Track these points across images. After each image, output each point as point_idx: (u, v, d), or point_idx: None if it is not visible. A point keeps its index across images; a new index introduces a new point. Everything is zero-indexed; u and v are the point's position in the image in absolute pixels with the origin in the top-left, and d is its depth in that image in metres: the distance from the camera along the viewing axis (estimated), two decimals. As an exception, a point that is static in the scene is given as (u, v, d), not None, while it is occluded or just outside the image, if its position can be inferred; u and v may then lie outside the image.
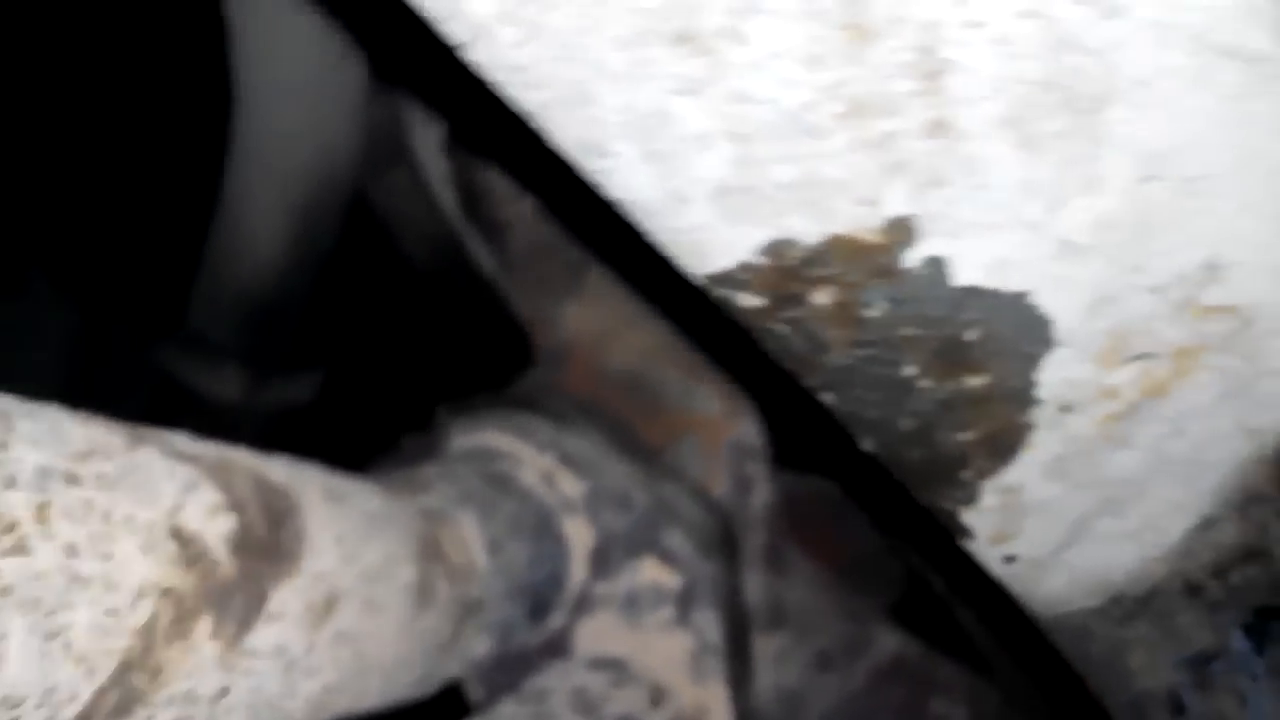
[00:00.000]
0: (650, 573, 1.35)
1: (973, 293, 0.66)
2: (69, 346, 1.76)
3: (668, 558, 1.35)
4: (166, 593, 0.66)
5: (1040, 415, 0.73)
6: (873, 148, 0.59)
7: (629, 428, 1.49)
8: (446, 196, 1.62)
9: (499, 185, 1.59)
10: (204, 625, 0.69)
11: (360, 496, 0.97)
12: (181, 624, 0.67)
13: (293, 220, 1.58)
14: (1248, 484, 0.84)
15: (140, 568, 0.64)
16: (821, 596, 1.72)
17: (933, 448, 0.75)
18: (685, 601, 1.35)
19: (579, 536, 1.36)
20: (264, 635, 0.76)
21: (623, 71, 0.57)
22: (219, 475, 0.75)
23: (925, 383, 0.70)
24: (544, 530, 1.32)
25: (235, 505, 0.75)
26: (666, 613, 1.35)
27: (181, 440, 0.76)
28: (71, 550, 0.60)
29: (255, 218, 1.58)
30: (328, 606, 0.84)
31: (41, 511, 0.59)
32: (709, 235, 0.63)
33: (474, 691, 1.39)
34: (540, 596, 1.29)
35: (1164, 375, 0.73)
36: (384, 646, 0.94)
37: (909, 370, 0.69)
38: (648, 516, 1.36)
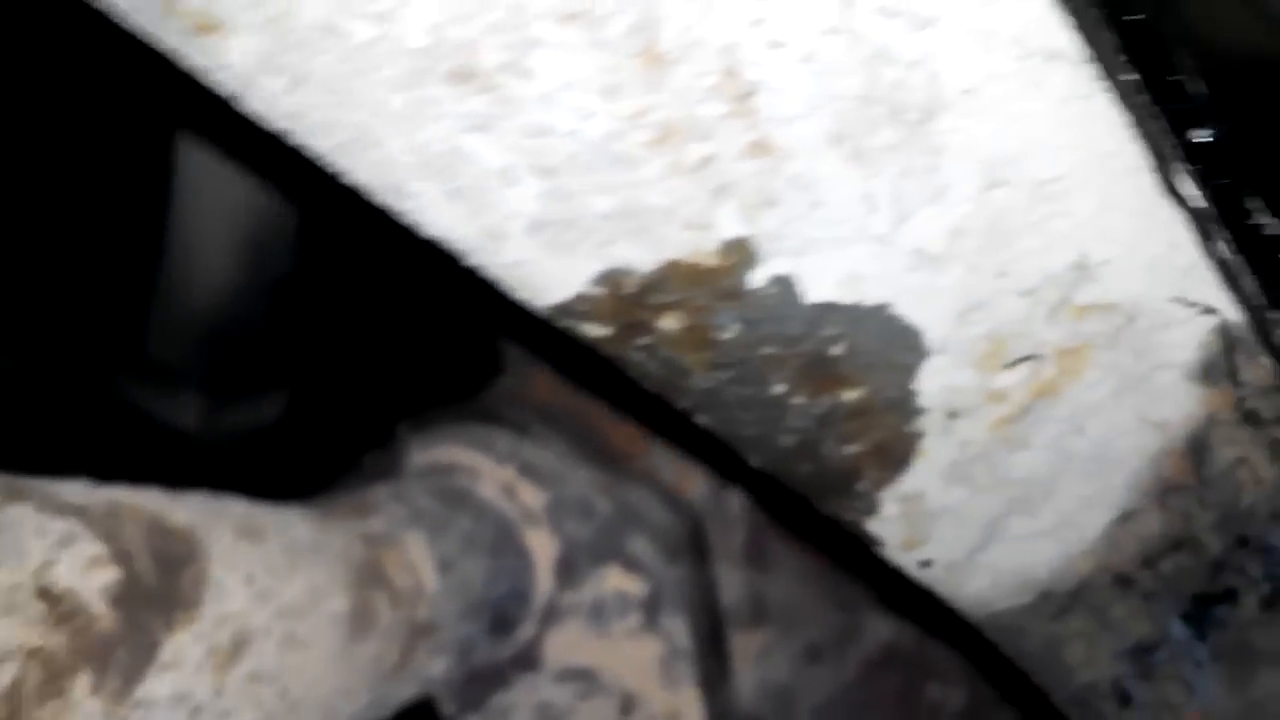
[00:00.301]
0: (614, 581, 1.34)
1: (829, 309, 0.64)
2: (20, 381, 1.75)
3: (632, 565, 1.34)
4: (33, 653, 0.65)
5: (928, 423, 0.72)
6: (692, 173, 0.57)
7: (597, 433, 1.47)
8: None
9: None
10: (82, 682, 0.68)
11: (285, 530, 0.96)
12: (54, 683, 0.66)
13: (242, 247, 1.56)
14: (1162, 475, 0.83)
15: (1, 632, 0.63)
16: (808, 589, 1.70)
17: (820, 462, 0.74)
18: (652, 607, 1.34)
19: (542, 548, 1.35)
20: (158, 685, 0.75)
21: (404, 112, 0.56)
22: (103, 526, 0.75)
23: (798, 399, 0.68)
24: (504, 544, 1.31)
25: (120, 556, 0.74)
26: (633, 620, 1.34)
27: (71, 489, 0.76)
28: None
29: (203, 244, 1.57)
30: (236, 648, 0.83)
31: None
32: (536, 269, 0.62)
33: (446, 708, 1.39)
34: (502, 611, 1.28)
35: (1052, 376, 0.72)
36: (314, 680, 0.93)
37: (778, 388, 0.68)
38: (611, 524, 1.34)
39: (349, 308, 1.89)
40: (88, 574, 0.71)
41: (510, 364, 1.58)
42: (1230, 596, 0.91)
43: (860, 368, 0.68)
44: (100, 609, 0.71)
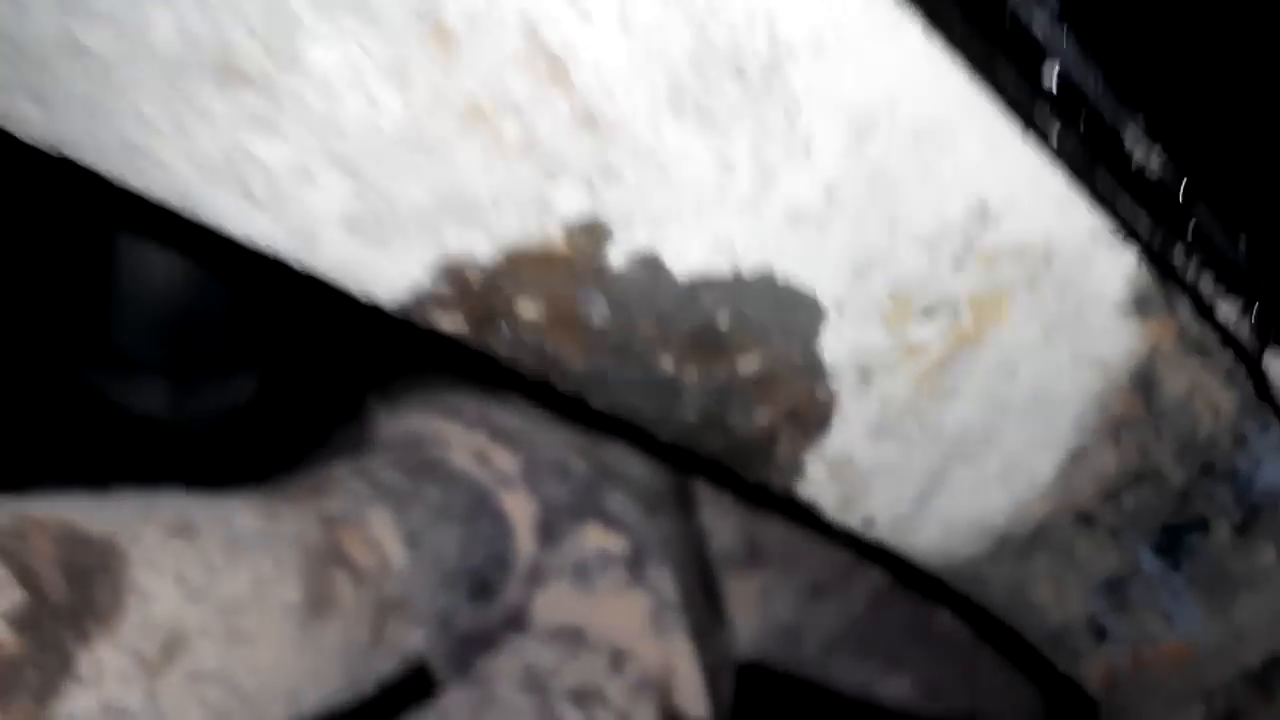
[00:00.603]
0: (595, 538, 1.32)
1: (702, 281, 0.60)
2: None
3: (611, 521, 1.32)
4: None
5: (840, 384, 0.68)
6: (516, 153, 0.53)
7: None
8: None
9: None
10: None
11: (222, 523, 0.93)
12: None
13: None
14: (1111, 412, 0.79)
15: None
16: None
17: (730, 433, 0.70)
18: (635, 562, 1.32)
19: (520, 511, 1.33)
20: (78, 699, 0.73)
21: (172, 122, 0.52)
22: (9, 544, 0.72)
23: (690, 375, 0.65)
24: (478, 511, 1.28)
25: (23, 576, 0.72)
26: (617, 576, 1.32)
27: None
28: None
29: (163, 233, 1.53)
30: (168, 651, 0.81)
31: None
32: (365, 268, 0.58)
33: (440, 674, 1.37)
34: (481, 578, 1.26)
35: (970, 325, 0.68)
36: (269, 671, 0.91)
37: (666, 366, 0.64)
38: (587, 482, 1.32)
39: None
40: None
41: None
42: (1201, 525, 0.89)
43: (752, 336, 0.64)
44: (2, 635, 0.69)
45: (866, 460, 0.75)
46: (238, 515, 0.95)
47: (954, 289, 0.66)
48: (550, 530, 1.32)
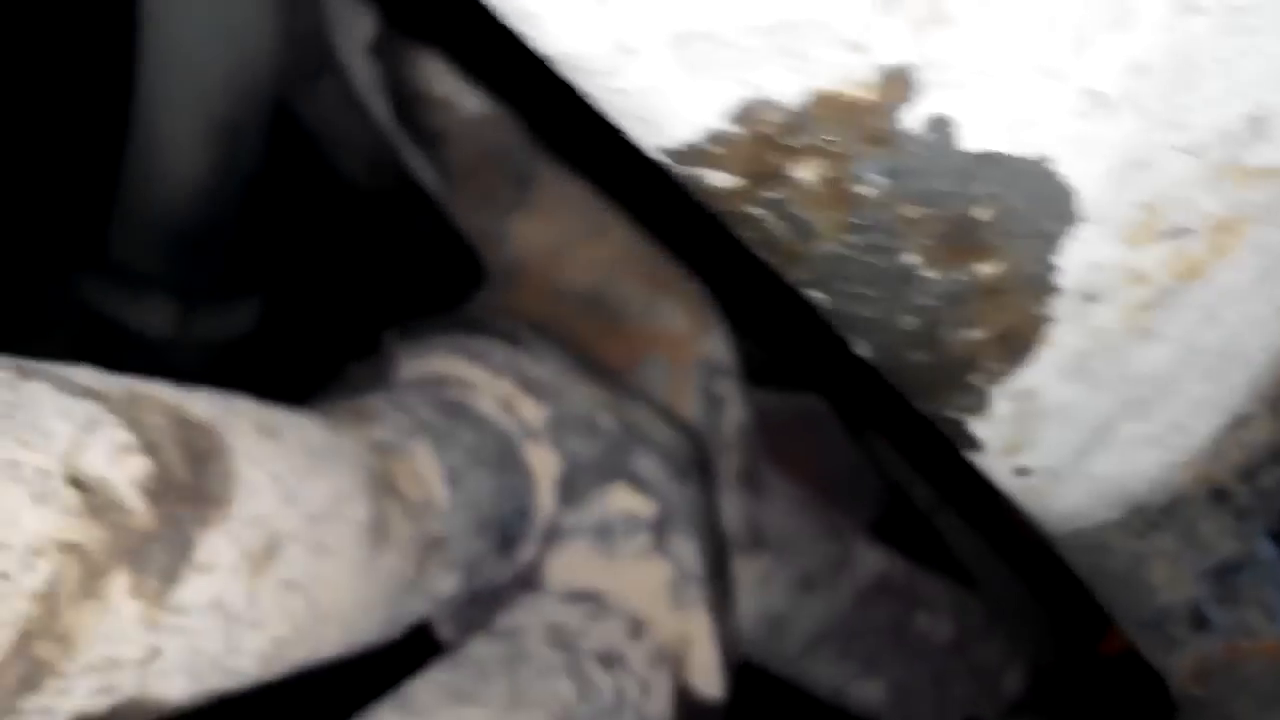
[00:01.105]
0: (622, 500, 1.28)
1: (986, 159, 0.56)
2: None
3: (640, 484, 1.28)
4: (69, 548, 0.57)
5: (1060, 306, 0.64)
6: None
7: (588, 348, 1.40)
8: (377, 105, 1.51)
9: (436, 87, 1.49)
10: (120, 582, 0.61)
11: (300, 431, 0.88)
12: (92, 583, 0.58)
13: (213, 137, 1.47)
14: (1281, 377, 0.76)
15: (33, 521, 0.55)
16: (801, 517, 1.66)
17: (937, 349, 0.66)
18: (661, 529, 1.28)
19: (543, 465, 1.29)
20: (195, 588, 0.67)
21: None
22: (128, 412, 0.66)
23: (929, 272, 0.60)
24: (506, 460, 1.24)
25: (148, 446, 0.66)
26: (642, 541, 1.28)
27: (82, 373, 0.67)
28: None
29: (172, 137, 1.47)
30: (268, 552, 0.75)
31: None
32: (666, 98, 0.52)
33: (444, 630, 1.32)
34: (508, 529, 1.21)
35: (1200, 254, 0.64)
36: (339, 591, 0.86)
37: (910, 258, 0.59)
38: (616, 441, 1.28)
39: (322, 209, 1.82)
40: (118, 463, 0.63)
41: (493, 276, 1.51)
42: (1329, 519, 0.86)
43: (1003, 235, 0.60)
44: (135, 502, 0.63)
45: (1050, 401, 0.71)
46: (307, 426, 0.90)
47: (1203, 208, 0.62)
48: (572, 488, 1.28)
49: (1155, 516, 0.82)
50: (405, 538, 0.99)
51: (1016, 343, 0.66)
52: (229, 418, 0.78)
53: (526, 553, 1.30)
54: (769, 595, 1.58)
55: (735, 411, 1.52)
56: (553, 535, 1.30)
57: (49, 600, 0.56)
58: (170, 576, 0.65)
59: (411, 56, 1.48)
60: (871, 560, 1.77)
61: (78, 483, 0.59)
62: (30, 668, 0.56)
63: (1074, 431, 0.74)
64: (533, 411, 1.29)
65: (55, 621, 0.57)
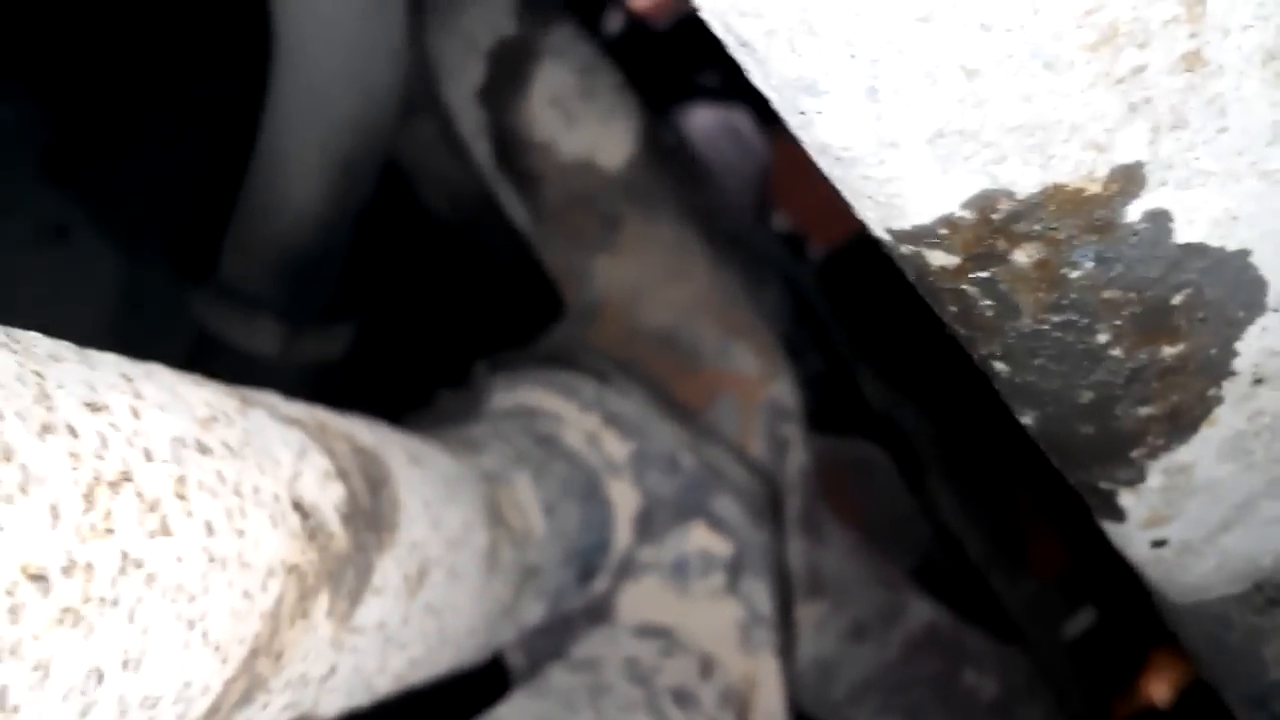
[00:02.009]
0: (700, 539, 1.30)
1: (1193, 251, 0.58)
2: (113, 297, 1.68)
3: (717, 524, 1.30)
4: (292, 570, 0.59)
5: (1231, 388, 0.66)
6: (1117, 84, 0.51)
7: (664, 387, 1.43)
8: (480, 147, 1.55)
9: (537, 132, 1.52)
10: (322, 603, 0.63)
11: (435, 459, 0.90)
12: (304, 602, 0.60)
13: (335, 171, 1.50)
14: None
15: (271, 544, 0.57)
16: (855, 563, 1.67)
17: (1108, 423, 0.67)
18: (735, 570, 1.30)
19: (623, 500, 1.31)
20: (370, 610, 0.70)
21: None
22: (321, 439, 0.68)
23: (1117, 350, 0.62)
24: (592, 493, 1.25)
25: (340, 472, 0.68)
26: (716, 581, 1.30)
27: (279, 402, 0.69)
28: (210, 529, 0.52)
29: (296, 168, 1.50)
30: (420, 577, 0.78)
31: (180, 486, 0.51)
32: (912, 186, 0.55)
33: (514, 657, 1.34)
34: (589, 561, 1.23)
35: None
36: (460, 616, 0.89)
37: (1102, 338, 0.61)
38: (696, 480, 1.30)
39: (408, 239, 1.85)
40: (324, 489, 0.65)
41: (573, 311, 1.54)
42: None
43: (1194, 320, 0.62)
44: (336, 527, 0.65)
45: (1202, 477, 0.73)
46: (439, 454, 0.92)
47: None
48: (649, 524, 1.29)
49: (1276, 593, 0.84)
50: (509, 565, 1.01)
51: (1184, 421, 0.68)
52: (387, 445, 0.80)
53: (601, 584, 1.32)
54: (822, 641, 1.59)
55: (799, 455, 1.54)
56: (627, 569, 1.32)
57: (274, 619, 0.58)
58: (355, 599, 0.67)
59: (516, 102, 1.51)
60: (921, 612, 1.78)
61: (299, 507, 0.61)
62: (250, 682, 0.58)
63: (1217, 508, 0.75)
64: (616, 447, 1.31)
65: (276, 639, 0.58)
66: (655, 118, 1.60)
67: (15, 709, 0.42)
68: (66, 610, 0.44)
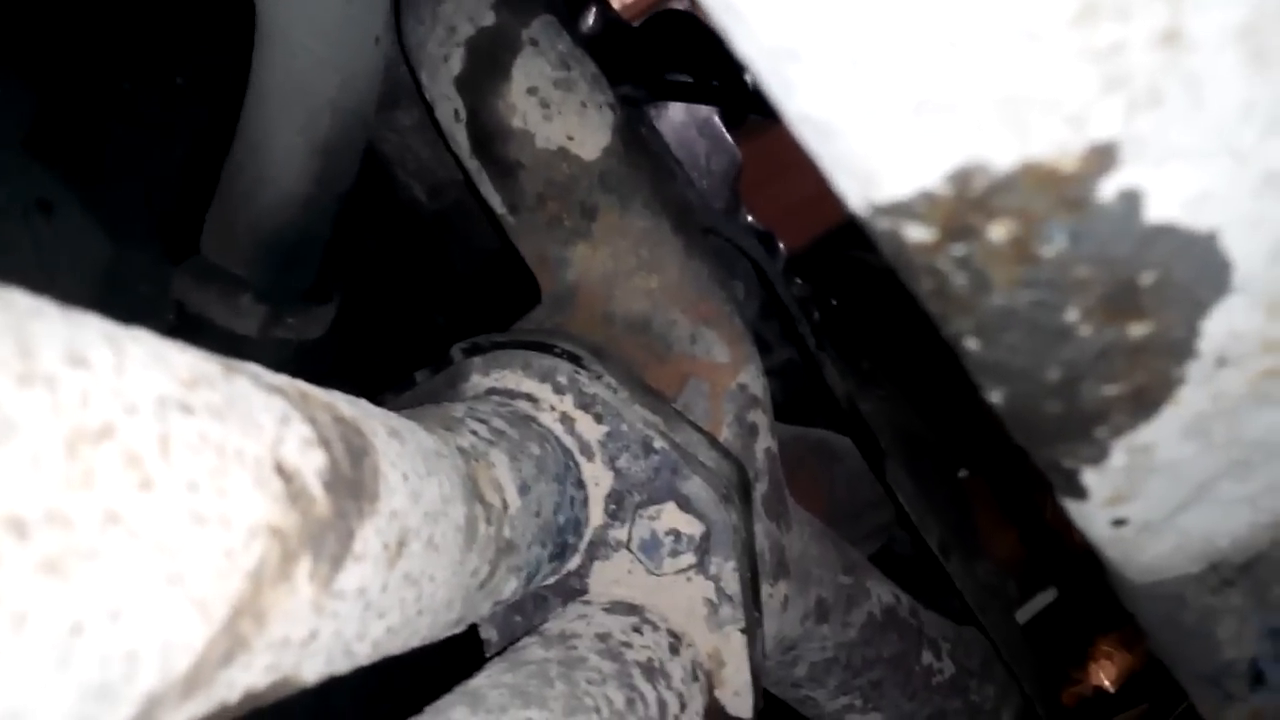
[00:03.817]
0: (670, 519, 1.32)
1: (1163, 230, 0.60)
2: (97, 273, 1.69)
3: (688, 505, 1.32)
4: (274, 532, 0.60)
5: (1195, 369, 0.68)
6: (1096, 59, 0.52)
7: (636, 372, 1.46)
8: (458, 136, 1.57)
9: (515, 121, 1.55)
10: (304, 566, 0.64)
11: (414, 434, 0.92)
12: (286, 565, 0.62)
13: (315, 155, 1.52)
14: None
15: (253, 506, 0.58)
16: (818, 547, 1.70)
17: (1073, 402, 0.70)
18: (704, 549, 1.33)
19: (595, 480, 1.33)
20: (350, 576, 0.71)
21: None
22: (304, 408, 0.70)
23: (1085, 330, 0.64)
24: (566, 473, 1.28)
25: (322, 440, 0.69)
26: (685, 560, 1.33)
27: (261, 371, 0.71)
28: (193, 486, 0.54)
29: (277, 152, 1.52)
30: (400, 546, 0.79)
31: (163, 443, 0.53)
32: (891, 159, 0.57)
33: (486, 632, 1.37)
34: (563, 539, 1.25)
35: (1326, 324, 0.68)
36: (438, 587, 0.90)
37: (1072, 315, 0.63)
38: (667, 462, 1.33)
39: (385, 225, 1.87)
40: (306, 455, 0.67)
41: (548, 298, 1.56)
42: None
43: (1161, 300, 0.64)
44: (317, 492, 0.66)
45: (1163, 457, 0.75)
46: (417, 430, 0.94)
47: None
48: (621, 504, 1.32)
49: (1231, 574, 0.86)
50: (485, 540, 1.03)
51: (1147, 400, 0.70)
52: (368, 418, 0.82)
53: (572, 562, 1.34)
54: (786, 622, 1.62)
55: (765, 440, 1.57)
56: (598, 548, 1.34)
57: (256, 579, 0.59)
58: (337, 564, 0.69)
59: (494, 92, 1.54)
60: (882, 595, 1.81)
61: (282, 471, 0.63)
62: (232, 642, 0.59)
63: (1177, 487, 0.78)
64: (590, 429, 1.33)
65: (257, 599, 0.60)
66: (630, 110, 1.63)
67: None
68: (45, 560, 0.45)
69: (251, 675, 0.64)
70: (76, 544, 0.46)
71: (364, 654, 0.82)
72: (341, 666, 0.79)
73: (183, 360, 0.59)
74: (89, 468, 0.47)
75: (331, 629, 0.71)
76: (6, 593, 0.43)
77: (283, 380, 0.72)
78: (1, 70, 1.68)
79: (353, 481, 0.72)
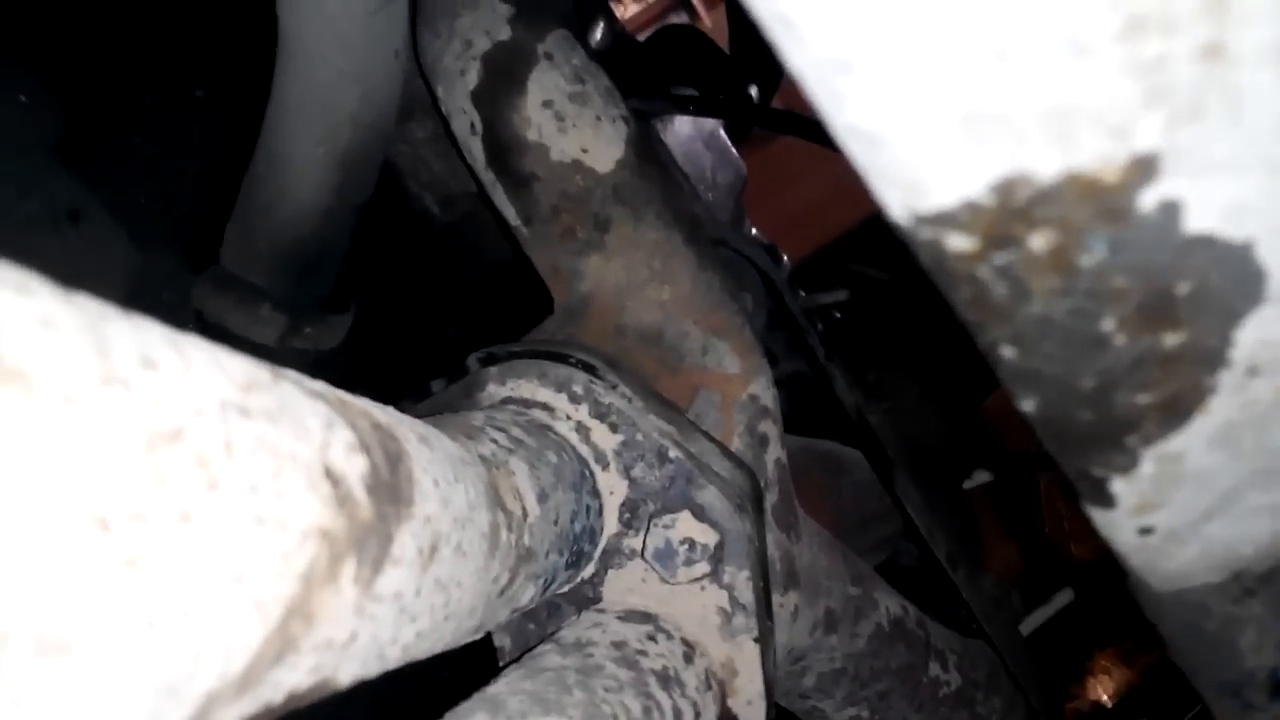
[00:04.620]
0: (684, 528, 1.33)
1: (1201, 241, 0.61)
2: (123, 281, 1.70)
3: (702, 514, 1.33)
4: (324, 534, 0.61)
5: (1226, 378, 0.69)
6: (1140, 72, 0.53)
7: (648, 383, 1.47)
8: (474, 148, 1.58)
9: (530, 134, 1.56)
10: (349, 569, 0.65)
11: (440, 440, 0.92)
12: (333, 567, 0.62)
13: (335, 167, 1.53)
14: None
15: (306, 508, 0.59)
16: (827, 558, 1.71)
17: (1106, 410, 0.70)
18: (718, 559, 1.33)
19: (610, 489, 1.34)
20: (389, 580, 0.72)
21: None
22: (344, 413, 0.70)
23: (1121, 338, 0.65)
24: (582, 482, 1.29)
25: (363, 445, 0.70)
26: (700, 569, 1.33)
27: (302, 377, 0.72)
28: (254, 488, 0.55)
29: (297, 163, 1.53)
30: (433, 551, 0.80)
31: (228, 446, 0.53)
32: (937, 170, 0.57)
33: (500, 639, 1.38)
34: (579, 548, 1.26)
35: (1356, 337, 0.69)
36: (464, 593, 0.91)
37: (1107, 325, 0.64)
38: (682, 471, 1.33)
39: (399, 236, 1.88)
40: (350, 459, 0.67)
41: (561, 308, 1.57)
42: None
43: (1195, 309, 0.65)
44: (361, 496, 0.67)
45: (1192, 465, 0.76)
46: (443, 437, 0.95)
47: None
48: (635, 513, 1.32)
49: (1253, 583, 0.87)
50: (506, 547, 1.03)
51: (1179, 409, 0.71)
52: (399, 425, 0.83)
53: (587, 570, 1.35)
54: (795, 632, 1.62)
55: (776, 451, 1.58)
56: (612, 556, 1.35)
57: (308, 581, 0.60)
58: (377, 567, 0.70)
59: (510, 105, 1.55)
60: (889, 606, 1.82)
61: (330, 475, 0.63)
62: (284, 642, 0.60)
63: (1204, 496, 0.79)
64: (605, 438, 1.34)
65: (308, 601, 0.61)
66: (641, 123, 1.64)
67: (69, 651, 0.44)
68: (125, 556, 0.46)
69: (296, 676, 0.64)
70: (153, 542, 0.47)
71: (394, 658, 0.83)
72: (373, 670, 0.80)
73: (237, 365, 0.60)
74: (164, 468, 0.48)
75: (370, 631, 0.72)
76: (92, 588, 0.43)
77: (321, 386, 0.73)
78: (31, 81, 1.69)
79: (391, 486, 0.73)
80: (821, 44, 0.54)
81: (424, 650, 0.90)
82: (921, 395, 2.44)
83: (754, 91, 2.48)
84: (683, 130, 2.48)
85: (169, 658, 0.49)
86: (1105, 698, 3.05)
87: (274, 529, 0.56)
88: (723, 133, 2.57)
